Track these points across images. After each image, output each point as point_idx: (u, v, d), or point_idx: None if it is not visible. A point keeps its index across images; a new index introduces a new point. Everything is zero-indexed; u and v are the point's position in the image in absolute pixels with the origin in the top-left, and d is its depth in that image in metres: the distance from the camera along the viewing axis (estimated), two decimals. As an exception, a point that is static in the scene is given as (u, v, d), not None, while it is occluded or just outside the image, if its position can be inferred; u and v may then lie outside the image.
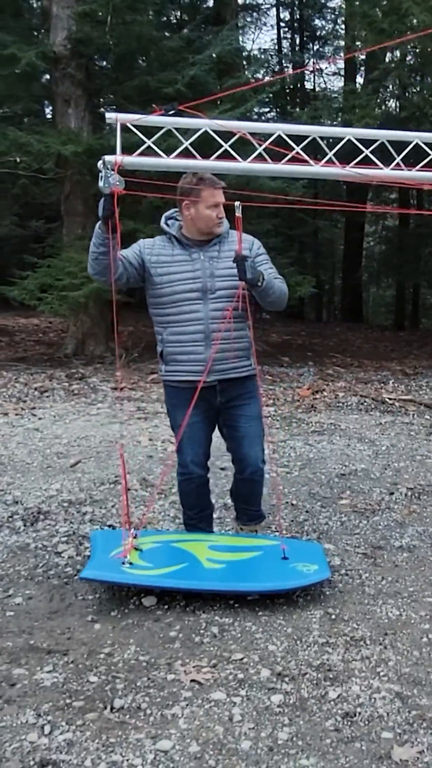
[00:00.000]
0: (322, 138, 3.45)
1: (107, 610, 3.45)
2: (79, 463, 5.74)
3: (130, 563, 3.55)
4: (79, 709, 2.71)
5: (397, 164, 3.43)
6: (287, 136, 3.36)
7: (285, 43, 21.89)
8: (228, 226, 3.78)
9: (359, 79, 17.28)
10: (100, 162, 3.19)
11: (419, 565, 3.96)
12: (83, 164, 10.07)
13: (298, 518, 4.61)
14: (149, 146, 3.24)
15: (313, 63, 19.73)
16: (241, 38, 15.59)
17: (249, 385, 3.77)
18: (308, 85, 20.76)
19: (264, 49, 20.61)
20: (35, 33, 12.64)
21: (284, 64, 21.21)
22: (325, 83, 22.14)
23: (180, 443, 3.81)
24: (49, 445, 6.26)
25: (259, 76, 13.91)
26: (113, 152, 3.18)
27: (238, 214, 3.51)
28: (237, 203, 3.52)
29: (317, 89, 20.50)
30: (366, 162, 3.41)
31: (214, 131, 3.33)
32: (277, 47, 21.53)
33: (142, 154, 3.23)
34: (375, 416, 7.70)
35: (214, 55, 10.70)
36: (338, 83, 19.98)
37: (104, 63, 12.44)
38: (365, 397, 8.53)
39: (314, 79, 20.94)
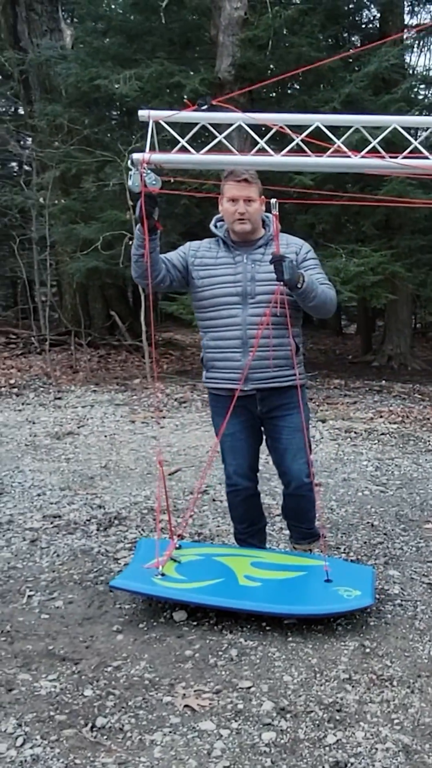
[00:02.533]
0: (365, 128, 3.16)
1: (136, 622, 3.38)
2: (178, 472, 5.73)
3: (163, 575, 3.46)
4: (60, 723, 2.66)
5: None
6: (327, 127, 3.14)
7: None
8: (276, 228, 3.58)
9: None
10: (128, 160, 3.14)
11: None
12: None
13: (372, 540, 4.29)
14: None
15: None
16: (409, 56, 15.02)
17: (291, 396, 3.54)
18: None
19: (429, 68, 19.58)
20: (201, 62, 12.96)
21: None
22: None
23: (222, 453, 3.67)
24: (157, 453, 6.31)
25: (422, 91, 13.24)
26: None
27: (275, 211, 3.32)
28: (273, 200, 3.32)
29: None
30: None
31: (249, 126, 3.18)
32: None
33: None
34: None
35: (370, 71, 10.41)
36: None
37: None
38: None
39: None
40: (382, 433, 6.94)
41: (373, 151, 3.11)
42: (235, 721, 2.68)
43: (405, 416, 7.76)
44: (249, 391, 3.48)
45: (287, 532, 4.04)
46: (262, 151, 3.16)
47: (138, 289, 12.03)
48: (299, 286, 3.31)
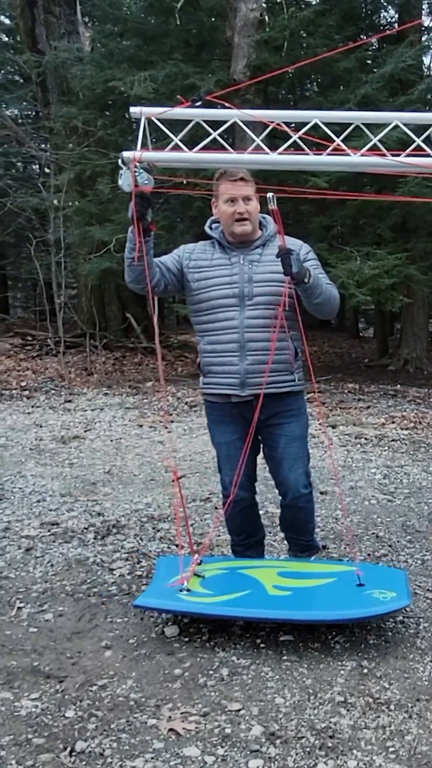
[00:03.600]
0: (366, 125, 3.03)
1: (127, 637, 3.27)
2: (183, 478, 5.61)
3: (188, 590, 3.32)
4: (37, 747, 2.54)
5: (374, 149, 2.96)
6: (325, 124, 3.01)
7: None
8: (275, 226, 3.45)
9: None
10: (119, 159, 3.03)
11: None
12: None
13: (377, 552, 4.14)
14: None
15: None
16: (428, 57, 14.85)
17: (291, 403, 3.41)
18: None
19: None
20: (217, 63, 12.86)
21: None
22: None
23: (218, 462, 3.55)
24: (163, 458, 6.19)
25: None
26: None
27: (273, 206, 3.18)
28: (270, 194, 3.18)
29: None
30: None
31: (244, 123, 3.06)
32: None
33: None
34: None
35: (386, 73, 10.26)
36: None
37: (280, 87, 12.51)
38: None
39: None
40: (393, 440, 6.78)
41: (375, 149, 2.98)
42: (222, 746, 2.55)
43: (418, 422, 7.59)
44: (246, 398, 3.35)
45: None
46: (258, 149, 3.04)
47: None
48: (306, 281, 3.17)
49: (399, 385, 10.55)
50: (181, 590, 3.29)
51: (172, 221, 12.26)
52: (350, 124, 3.05)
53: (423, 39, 13.01)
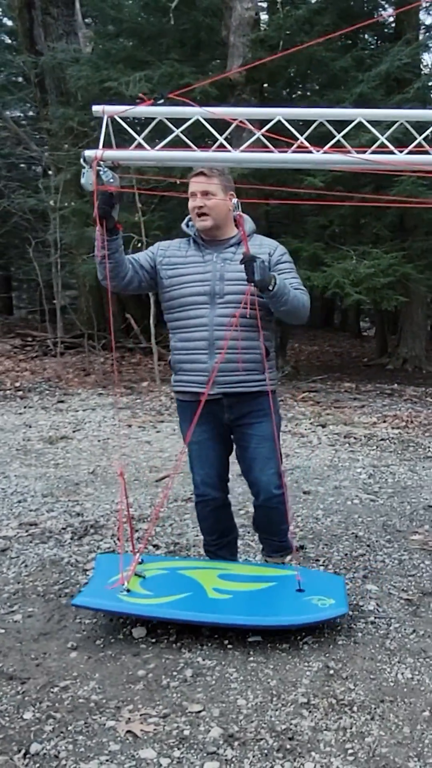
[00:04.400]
0: (330, 122, 2.99)
1: (94, 638, 3.23)
2: (166, 478, 5.58)
3: (128, 590, 3.31)
4: (-10, 748, 2.52)
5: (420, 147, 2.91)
6: (288, 122, 2.98)
7: None
8: (254, 227, 3.42)
9: None
10: (82, 158, 3.02)
11: (468, 619, 3.34)
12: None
13: (354, 552, 4.10)
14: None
15: None
16: (427, 55, 14.82)
17: (262, 402, 3.36)
18: None
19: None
20: (213, 63, 12.83)
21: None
22: None
23: (190, 462, 3.51)
24: (149, 459, 6.16)
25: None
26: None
27: (237, 212, 3.17)
28: (234, 200, 3.17)
29: None
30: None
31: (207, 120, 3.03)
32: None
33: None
34: None
35: (382, 71, 10.21)
36: None
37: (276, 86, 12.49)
38: None
39: None
40: (382, 439, 6.73)
41: (338, 145, 2.95)
42: (179, 749, 2.52)
43: (410, 421, 7.54)
44: (216, 396, 3.31)
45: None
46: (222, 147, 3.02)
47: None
48: (270, 288, 3.14)
49: (396, 384, 10.50)
50: (121, 590, 3.27)
51: (169, 222, 12.23)
52: (314, 121, 3.01)
53: (420, 37, 12.97)
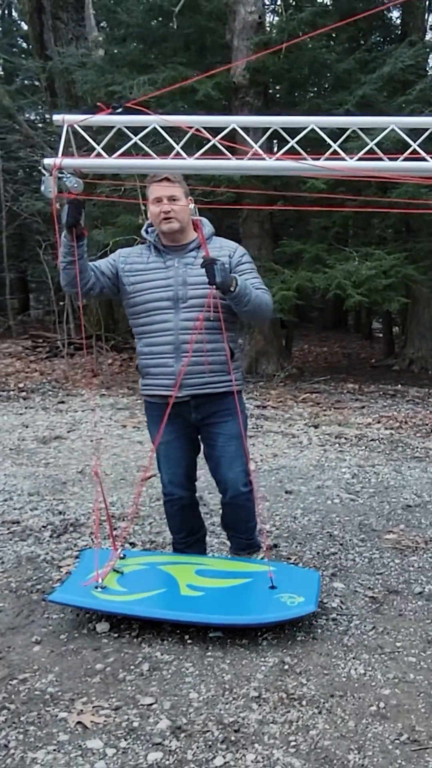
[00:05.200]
0: (284, 129, 3.03)
1: (59, 633, 3.30)
2: (152, 478, 5.62)
3: (103, 587, 3.37)
4: None
5: (372, 153, 2.94)
6: (242, 129, 3.03)
7: None
8: (213, 230, 3.49)
9: None
10: (42, 166, 3.08)
11: (428, 617, 3.37)
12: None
13: (326, 551, 4.13)
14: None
15: None
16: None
17: (229, 402, 3.42)
18: None
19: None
20: (217, 66, 12.88)
21: None
22: None
23: (158, 462, 3.58)
24: (138, 458, 6.22)
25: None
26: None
27: (195, 216, 3.22)
28: (191, 205, 3.23)
29: None
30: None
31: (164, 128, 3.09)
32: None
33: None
34: None
35: (385, 73, 10.21)
36: None
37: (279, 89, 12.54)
38: None
39: None
40: (372, 439, 6.74)
41: (293, 152, 2.99)
42: (126, 739, 2.57)
43: (404, 421, 7.54)
44: (183, 398, 3.38)
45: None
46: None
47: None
48: (232, 289, 3.20)
49: (400, 385, 10.48)
50: (96, 587, 3.33)
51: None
52: (268, 128, 3.06)
53: (426, 38, 12.93)
